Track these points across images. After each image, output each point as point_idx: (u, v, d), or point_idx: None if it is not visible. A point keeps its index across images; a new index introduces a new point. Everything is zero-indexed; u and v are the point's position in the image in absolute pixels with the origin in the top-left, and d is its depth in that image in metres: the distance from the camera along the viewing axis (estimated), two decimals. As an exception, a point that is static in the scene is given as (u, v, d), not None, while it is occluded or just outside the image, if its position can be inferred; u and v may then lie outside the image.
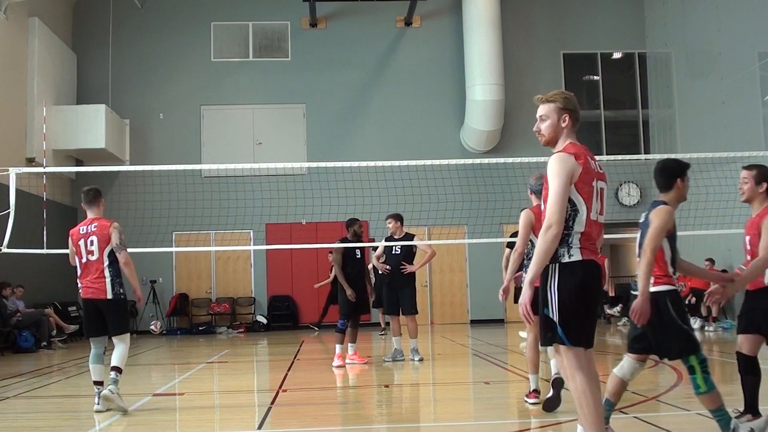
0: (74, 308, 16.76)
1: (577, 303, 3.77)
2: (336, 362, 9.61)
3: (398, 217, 10.18)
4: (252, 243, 17.67)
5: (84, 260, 6.59)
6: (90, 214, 6.75)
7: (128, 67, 18.52)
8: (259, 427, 5.81)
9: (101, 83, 18.18)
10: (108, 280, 6.52)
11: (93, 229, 6.62)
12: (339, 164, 12.00)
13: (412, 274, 10.07)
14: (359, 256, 9.92)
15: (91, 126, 16.82)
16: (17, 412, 6.92)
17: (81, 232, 6.64)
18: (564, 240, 3.80)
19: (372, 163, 11.15)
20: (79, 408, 7.08)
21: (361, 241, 10.14)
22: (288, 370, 9.52)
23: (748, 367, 4.98)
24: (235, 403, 7.48)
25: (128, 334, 6.63)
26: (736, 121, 15.18)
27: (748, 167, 5.02)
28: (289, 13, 19.00)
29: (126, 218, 13.82)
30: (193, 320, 18.20)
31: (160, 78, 18.74)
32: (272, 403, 6.99)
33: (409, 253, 10.12)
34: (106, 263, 6.55)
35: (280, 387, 7.95)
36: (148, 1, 18.92)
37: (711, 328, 14.54)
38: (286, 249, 17.04)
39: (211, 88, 18.92)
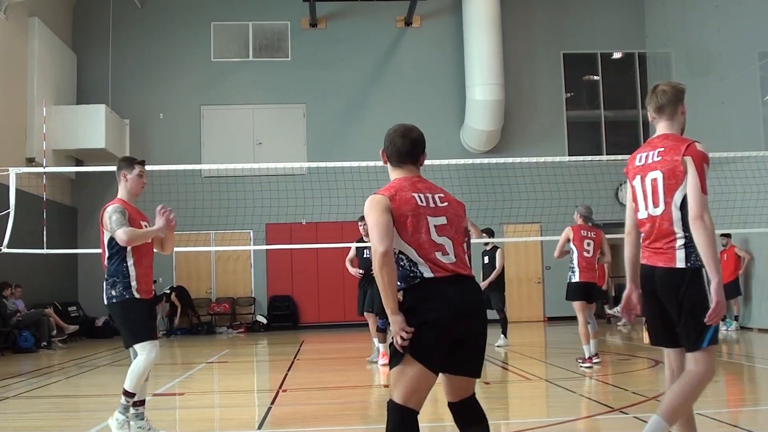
0: (74, 308, 16.79)
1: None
2: (382, 360, 9.58)
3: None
4: (252, 243, 17.66)
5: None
6: None
7: (128, 67, 18.51)
8: (259, 427, 5.81)
9: (101, 83, 18.17)
10: (105, 279, 5.16)
11: (99, 218, 5.23)
12: (339, 164, 11.99)
13: None
14: None
15: (91, 126, 16.81)
16: (17, 412, 6.91)
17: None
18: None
19: (372, 163, 11.12)
20: (79, 408, 7.08)
21: None
22: (288, 370, 9.52)
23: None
24: (235, 403, 7.49)
25: (142, 345, 5.09)
26: (736, 121, 15.17)
27: None
28: (289, 13, 18.99)
29: (126, 218, 13.83)
30: (193, 320, 18.19)
31: (160, 78, 18.73)
32: (272, 403, 6.99)
33: None
34: (107, 254, 5.15)
35: (280, 387, 7.95)
36: (148, 1, 18.92)
37: (732, 328, 13.72)
38: (286, 249, 17.05)
39: (211, 88, 18.91)
